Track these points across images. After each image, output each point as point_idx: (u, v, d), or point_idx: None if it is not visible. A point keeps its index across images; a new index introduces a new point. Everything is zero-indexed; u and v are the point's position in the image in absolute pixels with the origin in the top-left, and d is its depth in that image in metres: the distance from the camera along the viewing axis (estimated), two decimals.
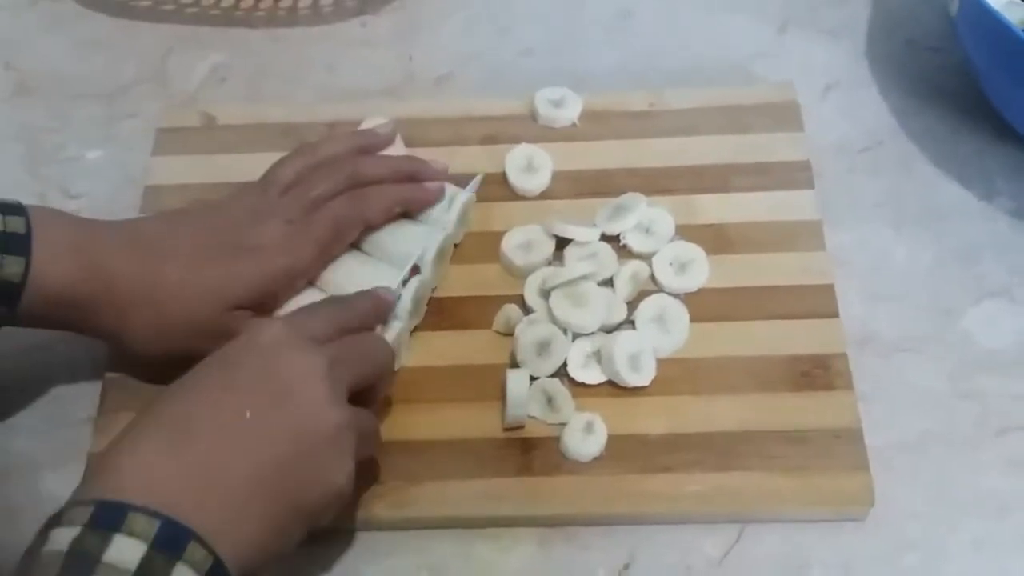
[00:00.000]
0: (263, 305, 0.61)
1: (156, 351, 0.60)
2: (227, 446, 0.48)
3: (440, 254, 0.65)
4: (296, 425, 0.49)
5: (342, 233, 0.63)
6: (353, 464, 0.51)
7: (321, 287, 0.64)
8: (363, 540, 0.59)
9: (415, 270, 0.64)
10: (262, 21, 0.83)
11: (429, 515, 0.58)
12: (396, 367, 0.62)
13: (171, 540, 0.43)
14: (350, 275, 0.64)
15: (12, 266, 0.55)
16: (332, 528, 0.58)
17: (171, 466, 0.46)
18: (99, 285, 0.58)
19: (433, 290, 0.66)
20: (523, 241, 0.67)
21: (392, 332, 0.61)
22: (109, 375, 0.64)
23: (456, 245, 0.68)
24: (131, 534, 0.43)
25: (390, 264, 0.64)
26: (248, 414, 0.48)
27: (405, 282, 0.63)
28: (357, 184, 0.65)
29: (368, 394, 0.56)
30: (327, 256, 0.63)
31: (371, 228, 0.65)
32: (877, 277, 0.67)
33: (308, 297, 0.63)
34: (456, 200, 0.67)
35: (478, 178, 0.69)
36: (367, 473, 0.58)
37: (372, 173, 0.66)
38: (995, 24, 0.63)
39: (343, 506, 0.53)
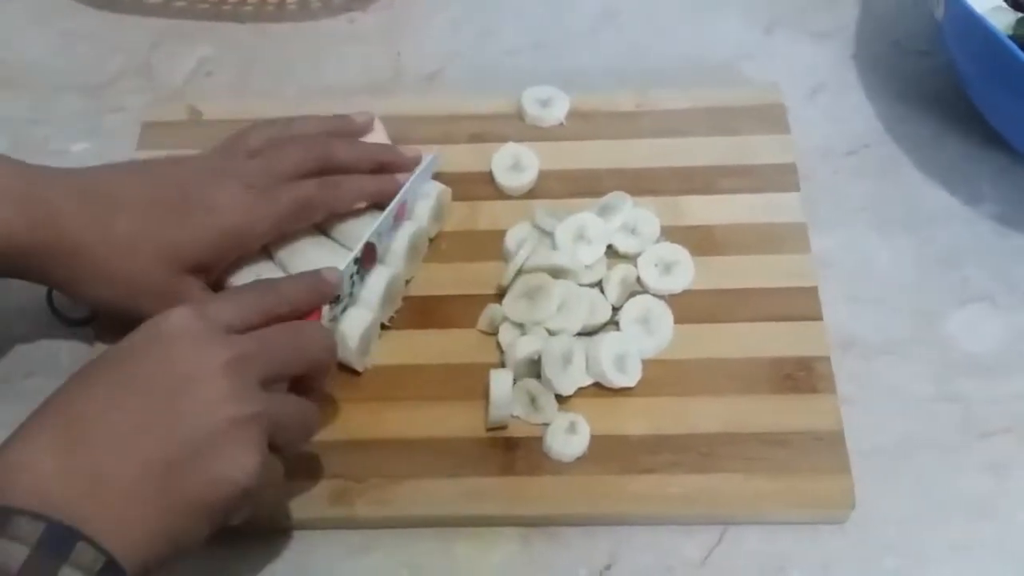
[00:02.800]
0: (213, 269, 0.61)
1: (104, 303, 0.60)
2: (117, 444, 0.46)
3: (412, 247, 0.65)
4: (188, 422, 0.48)
5: (305, 213, 0.63)
6: (258, 460, 0.49)
7: (281, 268, 0.64)
8: (344, 538, 0.58)
9: (370, 253, 0.62)
10: (250, 16, 0.83)
11: (410, 513, 0.58)
12: (366, 362, 0.62)
13: (57, 542, 0.43)
14: (306, 257, 0.63)
15: None
16: (313, 526, 0.58)
17: (60, 465, 0.45)
18: (48, 234, 0.57)
19: (407, 283, 0.66)
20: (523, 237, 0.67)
21: (360, 324, 0.61)
22: None
23: (431, 239, 0.68)
24: (13, 538, 0.42)
25: (351, 250, 0.64)
26: (139, 411, 0.47)
27: (358, 262, 0.61)
28: (327, 166, 0.64)
29: (305, 383, 0.55)
30: (283, 230, 0.62)
31: (335, 215, 0.65)
32: (861, 280, 0.67)
33: (263, 270, 0.62)
34: (427, 192, 0.67)
35: (431, 157, 0.68)
36: (306, 466, 0.57)
37: (344, 157, 0.65)
38: (981, 29, 0.64)
39: (254, 502, 0.50)
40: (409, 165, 0.67)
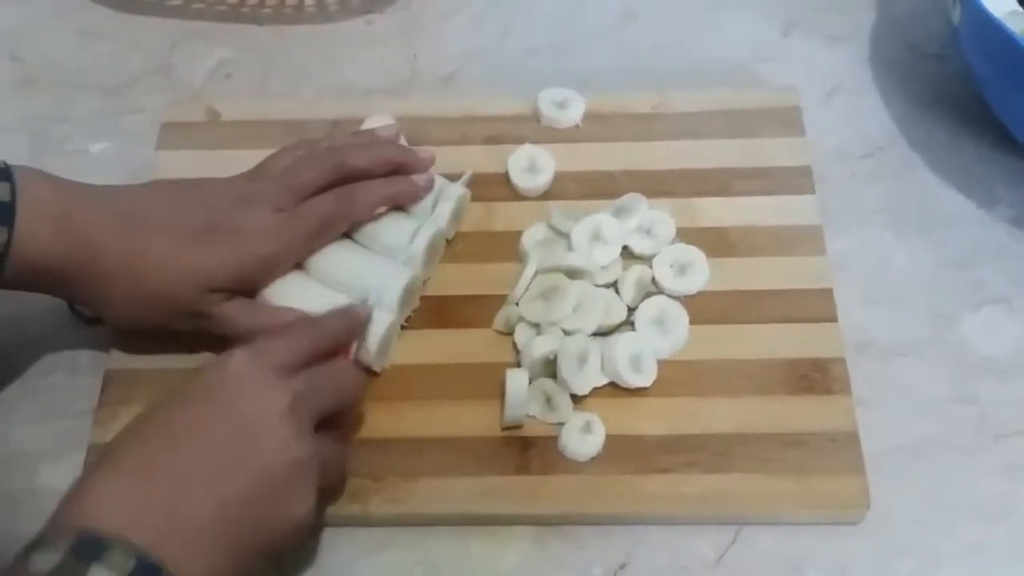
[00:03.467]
0: (242, 289, 0.62)
1: (133, 323, 0.61)
2: (192, 484, 0.48)
3: (431, 248, 0.66)
4: (259, 464, 0.50)
5: (328, 229, 0.64)
6: (315, 496, 0.52)
7: (310, 273, 0.64)
8: (360, 536, 0.59)
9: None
10: (268, 18, 0.83)
11: (426, 512, 0.59)
12: (384, 362, 0.63)
13: (144, 574, 0.44)
14: (339, 264, 0.64)
15: None
16: (329, 524, 0.59)
17: (140, 502, 0.47)
18: (81, 256, 0.58)
19: (425, 282, 0.66)
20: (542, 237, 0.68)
21: (380, 326, 0.61)
22: (110, 367, 0.64)
23: (448, 241, 0.68)
24: (110, 567, 0.43)
25: (381, 254, 0.65)
26: (212, 452, 0.49)
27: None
28: (344, 173, 0.65)
29: (336, 419, 0.56)
30: (310, 248, 0.64)
31: (359, 222, 0.66)
32: (876, 282, 0.67)
33: (293, 282, 0.63)
34: (449, 195, 0.67)
35: (469, 173, 0.69)
36: (332, 492, 0.58)
37: (358, 163, 0.65)
38: (997, 33, 0.64)
39: (303, 535, 0.53)
40: (424, 165, 0.68)
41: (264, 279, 0.62)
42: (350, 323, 0.59)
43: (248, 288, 0.62)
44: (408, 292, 0.64)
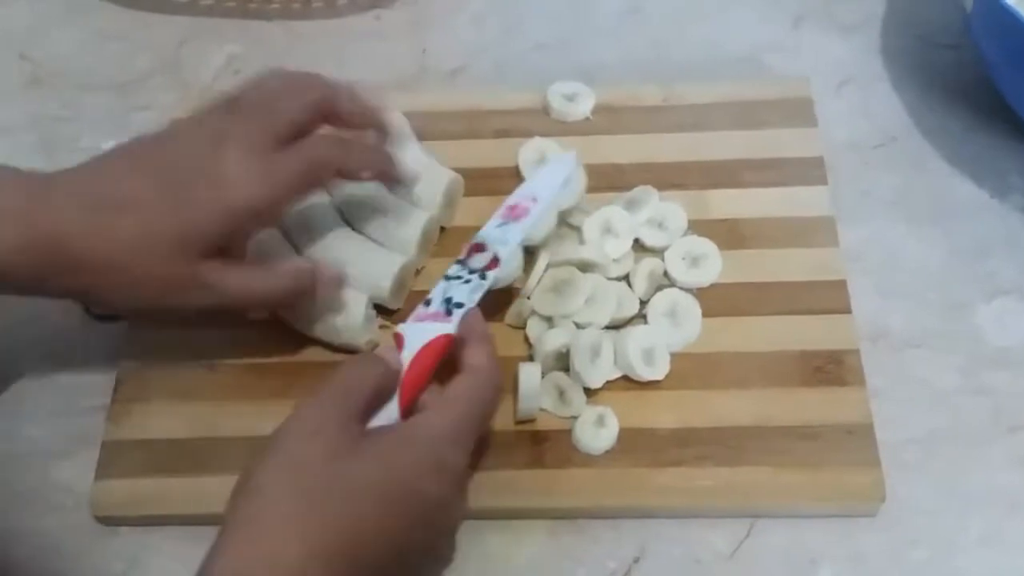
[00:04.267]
0: (231, 249, 0.58)
1: (130, 308, 0.59)
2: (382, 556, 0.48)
3: (424, 236, 0.66)
4: (432, 533, 0.51)
5: (315, 175, 0.59)
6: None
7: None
8: None
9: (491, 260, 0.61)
10: (277, 14, 0.83)
11: None
12: (400, 302, 0.65)
13: None
14: (333, 250, 0.64)
15: None
16: None
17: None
18: (53, 252, 0.54)
19: (419, 272, 0.66)
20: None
21: (395, 265, 0.63)
22: (123, 365, 0.64)
23: (443, 229, 0.68)
24: None
25: (377, 243, 0.65)
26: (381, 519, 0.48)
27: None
28: (328, 110, 0.60)
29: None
30: (295, 195, 0.59)
31: (342, 177, 0.61)
32: (889, 273, 0.67)
33: (333, 235, 0.64)
34: (439, 180, 0.67)
35: (569, 160, 0.67)
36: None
37: (345, 106, 0.60)
38: (1010, 21, 0.63)
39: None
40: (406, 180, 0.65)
41: (248, 229, 0.59)
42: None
43: (234, 244, 0.58)
44: (401, 280, 0.64)
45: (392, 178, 0.64)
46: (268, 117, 0.57)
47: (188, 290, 0.56)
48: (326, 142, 0.60)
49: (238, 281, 0.58)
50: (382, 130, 0.65)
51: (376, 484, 0.48)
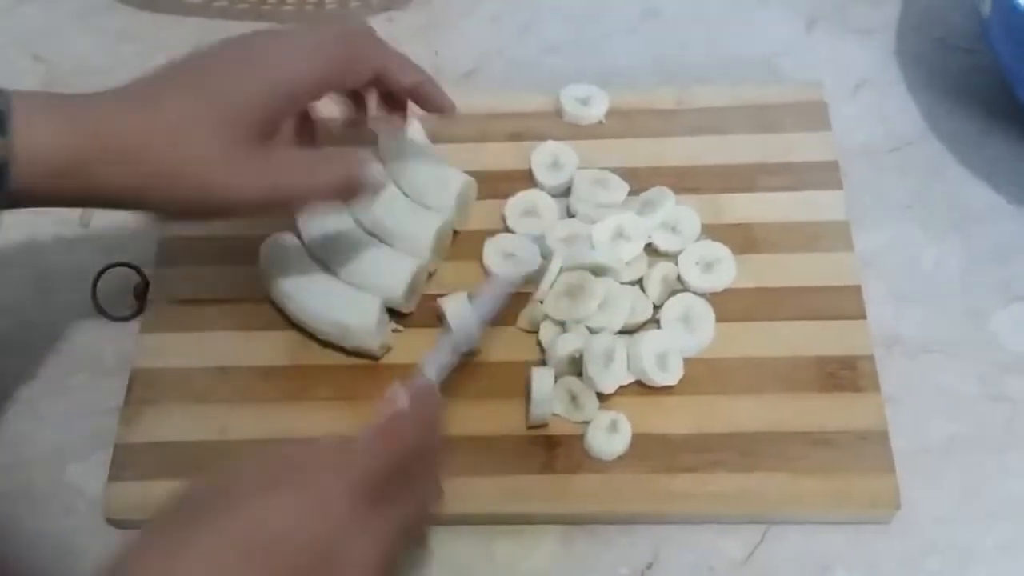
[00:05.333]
0: (273, 128, 0.57)
1: (176, 204, 0.55)
2: None
3: (437, 239, 0.66)
4: None
5: (356, 63, 0.59)
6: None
7: (327, 262, 0.65)
8: None
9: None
10: (290, 16, 0.83)
11: (452, 512, 0.58)
12: (412, 305, 0.65)
13: None
14: (348, 253, 0.64)
15: None
16: None
17: None
18: (91, 144, 0.52)
19: (431, 275, 0.66)
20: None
21: (409, 269, 0.63)
22: (135, 367, 0.64)
23: (456, 232, 0.68)
24: None
25: (392, 246, 0.65)
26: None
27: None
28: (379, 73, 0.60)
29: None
30: (335, 80, 0.59)
31: (381, 78, 0.60)
32: (905, 278, 0.67)
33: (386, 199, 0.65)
34: (451, 183, 0.67)
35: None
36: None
37: (396, 77, 0.61)
38: None
39: None
40: (445, 107, 0.64)
41: (287, 106, 0.57)
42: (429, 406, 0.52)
43: (276, 119, 0.57)
44: (413, 284, 0.64)
45: (431, 98, 0.63)
46: (316, 32, 0.58)
47: (231, 176, 0.54)
48: (368, 37, 0.60)
49: (283, 165, 0.57)
50: (421, 95, 0.63)
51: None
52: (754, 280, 0.65)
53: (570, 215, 0.68)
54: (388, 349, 0.64)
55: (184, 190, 0.54)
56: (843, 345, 0.62)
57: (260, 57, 0.56)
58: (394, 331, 0.64)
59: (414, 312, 0.65)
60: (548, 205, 0.68)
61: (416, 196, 0.67)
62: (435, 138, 0.70)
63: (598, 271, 0.64)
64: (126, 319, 0.67)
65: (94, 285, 0.67)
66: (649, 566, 0.58)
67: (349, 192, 0.58)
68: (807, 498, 0.58)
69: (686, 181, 0.69)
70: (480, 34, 0.82)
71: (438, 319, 0.64)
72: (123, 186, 0.53)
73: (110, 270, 0.68)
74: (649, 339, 0.61)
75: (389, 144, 0.69)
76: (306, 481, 0.45)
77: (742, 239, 0.67)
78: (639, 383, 0.61)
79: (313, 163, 0.58)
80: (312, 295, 0.63)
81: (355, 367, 0.63)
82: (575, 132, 0.72)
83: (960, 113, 0.74)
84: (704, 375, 0.62)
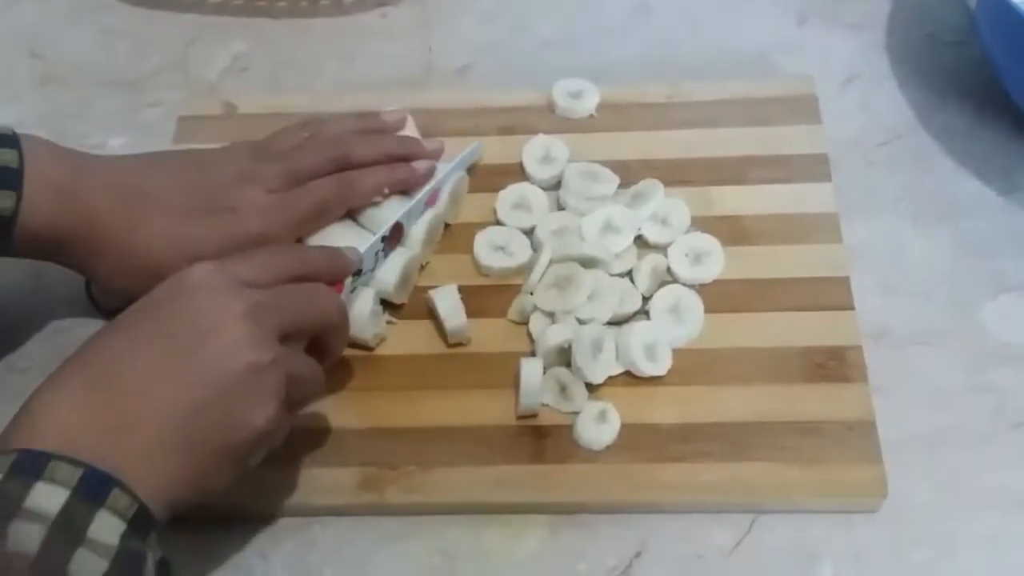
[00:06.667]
0: None
1: (122, 290, 0.60)
2: (142, 392, 0.48)
3: (430, 232, 0.66)
4: (211, 367, 0.49)
5: (324, 213, 0.64)
6: (275, 406, 0.50)
7: None
8: (376, 525, 0.59)
9: (397, 233, 0.65)
10: (284, 12, 0.84)
11: (442, 501, 0.59)
12: (405, 296, 0.65)
13: (95, 487, 0.44)
14: (333, 240, 0.64)
15: (4, 200, 0.57)
16: (346, 513, 0.59)
17: (87, 413, 0.47)
18: (81, 225, 0.59)
19: (423, 267, 0.67)
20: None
21: (401, 260, 0.64)
22: None
23: (448, 225, 0.69)
24: (52, 481, 0.43)
25: (374, 234, 0.66)
26: (163, 359, 0.49)
27: (384, 240, 0.64)
28: (345, 164, 0.65)
29: (319, 346, 0.56)
30: (303, 231, 0.64)
31: (351, 208, 0.65)
32: (893, 270, 0.67)
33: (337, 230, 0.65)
34: (445, 178, 0.68)
35: (473, 147, 0.70)
36: (339, 454, 0.59)
37: (361, 155, 0.66)
38: (1015, 19, 0.63)
39: (271, 445, 0.53)
40: (431, 157, 0.67)
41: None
42: (333, 260, 0.59)
43: None
44: (405, 275, 0.65)
45: (404, 190, 0.67)
46: (288, 164, 0.64)
47: None
48: (336, 184, 0.64)
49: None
50: (404, 160, 0.67)
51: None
52: (743, 272, 0.65)
53: (560, 208, 0.69)
54: (382, 340, 0.64)
55: (136, 290, 0.56)
56: (831, 336, 0.63)
57: (240, 210, 0.62)
58: (388, 322, 0.65)
59: (407, 303, 0.66)
60: (539, 198, 0.69)
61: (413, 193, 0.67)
62: (427, 133, 0.71)
63: (588, 263, 0.65)
64: (118, 312, 0.67)
65: (88, 280, 0.68)
66: (637, 555, 0.58)
67: (340, 315, 0.58)
68: (795, 487, 0.58)
69: (677, 174, 0.69)
70: (473, 30, 0.82)
71: (429, 311, 0.64)
72: (92, 269, 0.62)
73: None
74: (638, 330, 0.62)
75: None
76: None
77: (732, 231, 0.67)
78: (628, 374, 0.62)
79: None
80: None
81: (350, 358, 0.63)
82: (567, 126, 0.73)
83: (949, 107, 0.75)
84: (693, 366, 0.62)
